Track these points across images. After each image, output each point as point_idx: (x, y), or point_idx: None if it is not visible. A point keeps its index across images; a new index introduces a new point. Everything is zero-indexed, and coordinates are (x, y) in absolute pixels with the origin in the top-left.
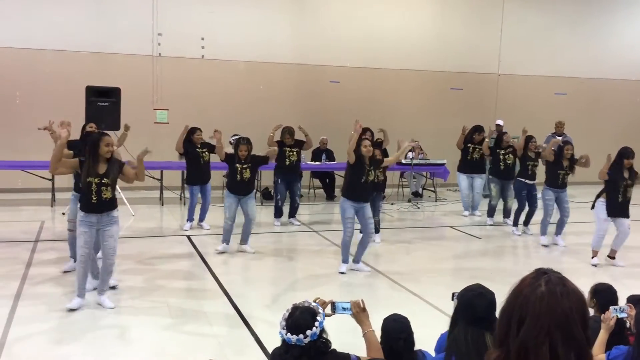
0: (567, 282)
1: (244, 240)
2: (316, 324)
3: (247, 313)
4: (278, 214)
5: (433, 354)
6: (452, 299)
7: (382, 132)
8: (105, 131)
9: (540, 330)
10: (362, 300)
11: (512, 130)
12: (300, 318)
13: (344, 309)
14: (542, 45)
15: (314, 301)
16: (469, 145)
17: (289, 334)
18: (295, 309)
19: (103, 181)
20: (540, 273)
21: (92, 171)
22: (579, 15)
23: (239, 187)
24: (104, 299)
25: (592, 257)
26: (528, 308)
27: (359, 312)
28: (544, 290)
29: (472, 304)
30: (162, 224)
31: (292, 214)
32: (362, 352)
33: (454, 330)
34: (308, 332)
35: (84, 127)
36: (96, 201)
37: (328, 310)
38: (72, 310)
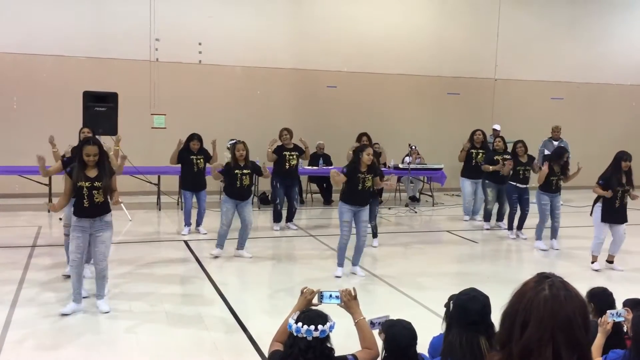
0: (569, 287)
1: (240, 245)
2: (327, 324)
3: (244, 318)
4: (277, 218)
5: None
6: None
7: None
8: (93, 137)
9: (544, 332)
10: (354, 288)
11: (509, 135)
12: (314, 314)
13: (332, 296)
14: (538, 50)
15: (302, 290)
16: (472, 150)
17: (299, 324)
18: (310, 310)
19: (95, 184)
20: (543, 277)
21: (82, 176)
22: (574, 20)
23: (238, 193)
24: (100, 302)
25: (592, 262)
26: (532, 311)
27: (350, 300)
28: (548, 294)
29: (465, 308)
30: (160, 228)
31: (290, 218)
32: (354, 346)
33: (449, 334)
34: (319, 327)
35: (80, 132)
36: (88, 205)
37: (315, 300)
38: (65, 315)
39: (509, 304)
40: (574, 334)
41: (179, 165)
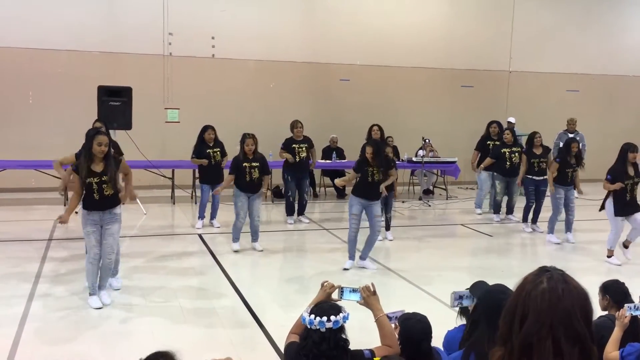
0: (569, 279)
1: (254, 238)
2: (340, 315)
3: (258, 311)
4: (290, 211)
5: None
6: (455, 300)
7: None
8: (101, 130)
9: (543, 326)
10: (372, 284)
11: (524, 127)
12: (327, 306)
13: (352, 291)
14: (553, 42)
15: (322, 283)
16: (489, 142)
17: (312, 316)
18: (324, 302)
19: (103, 179)
20: (542, 270)
21: (90, 171)
22: (590, 12)
23: (248, 186)
24: (102, 293)
25: (609, 256)
26: (530, 304)
27: (370, 296)
28: (546, 287)
29: (501, 306)
30: (174, 222)
31: (301, 211)
32: (368, 340)
33: (476, 330)
34: (332, 318)
35: (93, 125)
36: (98, 198)
37: (335, 295)
38: (97, 308)
39: (510, 299)
40: (574, 327)
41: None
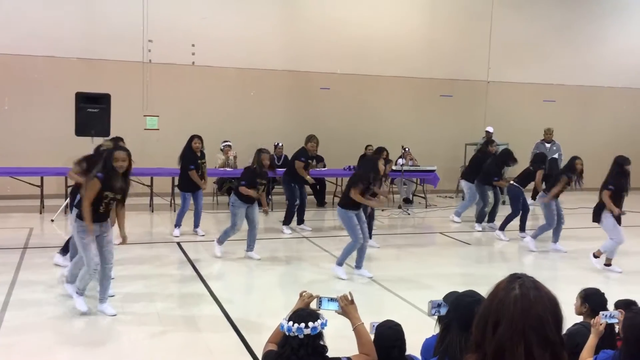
0: (540, 286)
1: (250, 247)
2: (318, 321)
3: (237, 319)
4: (290, 220)
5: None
6: (433, 309)
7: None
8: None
9: (515, 332)
10: (350, 293)
11: (502, 137)
12: (305, 313)
13: (330, 300)
14: (531, 53)
15: (301, 294)
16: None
17: (290, 322)
18: (302, 309)
19: (117, 197)
20: (514, 277)
21: (110, 185)
22: (567, 23)
23: (251, 198)
24: (106, 306)
25: (608, 265)
26: (503, 311)
27: (347, 305)
28: (518, 294)
29: (471, 310)
30: (152, 230)
31: (302, 219)
32: (347, 348)
33: (448, 335)
34: (310, 324)
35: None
36: (103, 211)
37: (314, 305)
38: (83, 313)
39: (482, 305)
40: (545, 333)
41: (180, 167)
